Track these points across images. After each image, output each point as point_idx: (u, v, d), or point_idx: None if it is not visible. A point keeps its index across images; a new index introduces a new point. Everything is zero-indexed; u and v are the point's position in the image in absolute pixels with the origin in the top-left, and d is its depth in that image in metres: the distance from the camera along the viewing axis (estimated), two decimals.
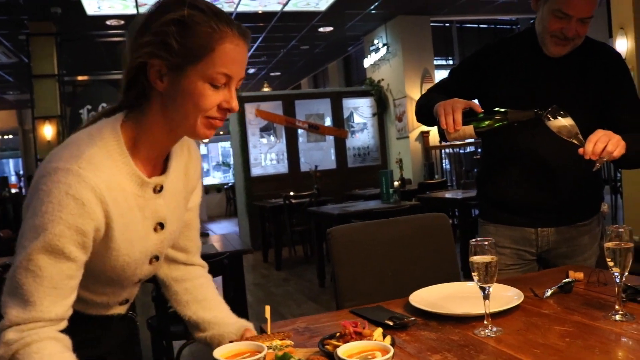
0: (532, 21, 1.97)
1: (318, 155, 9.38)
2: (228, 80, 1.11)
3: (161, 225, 1.23)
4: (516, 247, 1.97)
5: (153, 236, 1.22)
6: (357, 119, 9.78)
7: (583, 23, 1.78)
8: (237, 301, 3.19)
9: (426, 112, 1.88)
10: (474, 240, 1.25)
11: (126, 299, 1.36)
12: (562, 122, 1.60)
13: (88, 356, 1.13)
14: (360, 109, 9.76)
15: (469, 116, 1.69)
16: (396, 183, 6.19)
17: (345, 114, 9.66)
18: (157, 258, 1.28)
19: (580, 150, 1.58)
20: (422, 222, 1.95)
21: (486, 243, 1.23)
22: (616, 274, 1.29)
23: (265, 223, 7.58)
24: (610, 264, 1.29)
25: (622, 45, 5.37)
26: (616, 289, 1.31)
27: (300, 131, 9.33)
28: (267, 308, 1.28)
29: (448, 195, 6.07)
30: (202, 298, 1.41)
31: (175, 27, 1.06)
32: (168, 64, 1.07)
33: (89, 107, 7.75)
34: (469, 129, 1.69)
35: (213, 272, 1.50)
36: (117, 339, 1.38)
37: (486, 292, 1.24)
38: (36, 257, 1.02)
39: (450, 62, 9.99)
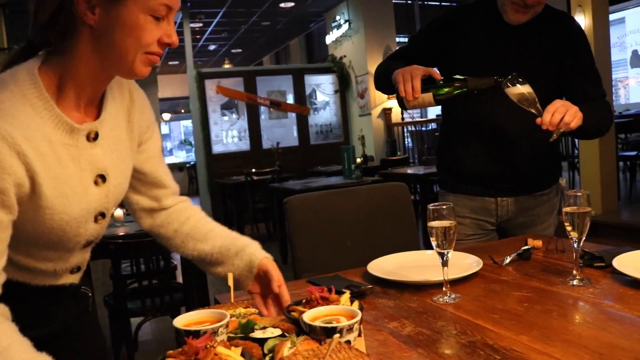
0: None
1: (280, 132, 9.30)
2: (168, 12, 0.99)
3: (102, 178, 1.09)
4: (476, 217, 1.96)
5: (94, 190, 1.08)
6: (319, 96, 9.71)
7: None
8: (197, 281, 3.12)
9: (385, 80, 1.84)
10: (432, 205, 1.22)
11: (77, 266, 1.21)
12: (521, 90, 1.58)
13: (38, 335, 0.97)
14: (323, 86, 9.69)
15: (428, 83, 1.66)
16: (358, 160, 6.18)
17: (307, 91, 9.59)
18: (102, 215, 1.13)
19: (538, 120, 1.57)
20: (381, 191, 1.92)
21: (444, 207, 1.20)
22: (574, 238, 1.28)
23: (227, 200, 7.49)
24: (569, 228, 1.27)
25: (580, 22, 5.42)
26: (574, 254, 1.30)
27: (262, 108, 9.23)
28: (230, 275, 1.22)
29: (410, 171, 6.08)
30: (194, 232, 1.30)
31: None
32: None
33: None
34: (428, 96, 1.65)
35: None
36: (70, 316, 1.24)
37: (445, 258, 1.22)
38: None
39: None
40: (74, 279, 1.23)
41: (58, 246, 1.11)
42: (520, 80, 1.58)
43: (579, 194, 1.26)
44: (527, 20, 1.82)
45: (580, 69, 1.89)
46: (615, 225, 5.10)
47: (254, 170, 7.16)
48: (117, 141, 1.14)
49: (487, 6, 1.90)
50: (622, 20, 11.48)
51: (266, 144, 8.97)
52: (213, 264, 1.28)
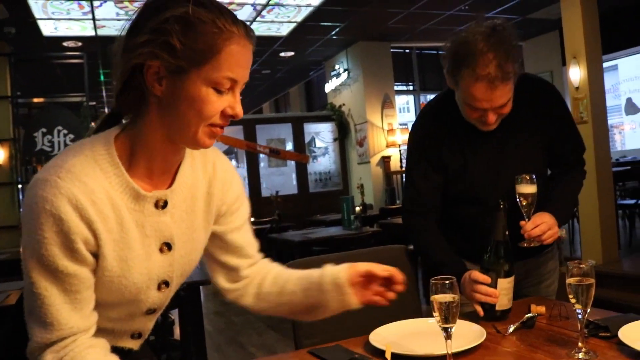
0: None
1: (279, 180, 9.32)
2: (233, 85, 1.02)
3: (168, 246, 1.11)
4: None
5: (158, 257, 1.10)
6: (318, 143, 9.78)
7: (502, 107, 1.66)
8: (194, 334, 3.08)
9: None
10: (434, 278, 1.20)
11: (138, 332, 1.22)
12: (527, 190, 1.65)
13: None
14: (322, 134, 9.76)
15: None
16: (357, 209, 6.16)
17: (307, 139, 9.66)
18: (166, 284, 1.14)
19: (522, 222, 1.64)
20: (380, 254, 1.90)
21: (447, 282, 1.18)
22: (579, 310, 1.26)
23: None
24: (573, 300, 1.26)
25: (575, 73, 5.51)
26: (579, 325, 1.28)
27: (261, 156, 9.26)
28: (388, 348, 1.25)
29: None
30: (273, 286, 1.32)
31: (179, 25, 0.95)
32: (168, 66, 0.97)
33: (44, 130, 7.52)
34: (497, 280, 1.58)
35: (169, 305, 1.38)
36: None
37: (448, 332, 1.20)
38: (37, 279, 0.98)
39: (411, 87, 10.10)
40: (134, 344, 1.24)
41: (120, 308, 1.12)
42: (531, 181, 1.65)
43: (582, 265, 1.25)
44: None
45: (564, 138, 1.88)
46: (616, 276, 5.05)
47: (252, 219, 7.12)
48: (190, 211, 1.15)
49: (458, 109, 1.78)
50: (615, 68, 11.67)
51: (265, 192, 8.97)
52: (303, 308, 1.31)
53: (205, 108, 0.99)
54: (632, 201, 6.19)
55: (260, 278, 1.34)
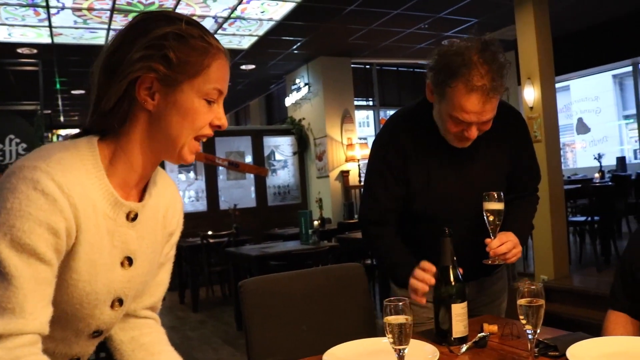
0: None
1: (238, 193, 9.25)
2: (219, 97, 1.08)
3: (129, 261, 1.10)
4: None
5: (119, 271, 1.09)
6: (277, 157, 9.76)
7: (486, 123, 1.67)
8: None
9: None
10: (388, 300, 1.21)
11: (77, 356, 1.17)
12: (494, 207, 1.65)
13: None
14: (281, 147, 9.75)
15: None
16: (316, 223, 6.17)
17: (266, 152, 9.63)
18: (120, 302, 1.12)
19: (488, 240, 1.65)
20: (337, 272, 1.90)
21: (401, 303, 1.19)
22: (529, 331, 1.28)
23: (182, 262, 7.32)
24: (523, 321, 1.28)
25: (530, 93, 5.66)
26: (529, 345, 1.31)
27: (220, 169, 9.19)
28: None
29: None
30: (150, 345, 1.25)
31: (174, 40, 1.02)
32: (162, 80, 1.02)
33: None
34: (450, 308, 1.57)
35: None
36: None
37: (401, 354, 1.20)
38: (6, 256, 0.90)
39: (370, 102, 10.20)
40: None
41: (68, 323, 1.07)
42: (499, 199, 1.65)
43: (533, 286, 1.28)
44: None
45: (526, 167, 1.93)
46: (567, 291, 5.17)
47: (210, 232, 7.05)
48: (152, 231, 1.15)
49: (427, 121, 1.79)
50: (567, 88, 12.06)
51: (223, 205, 8.88)
52: None
53: (198, 118, 1.05)
54: (582, 218, 6.36)
55: (147, 330, 1.28)
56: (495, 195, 1.64)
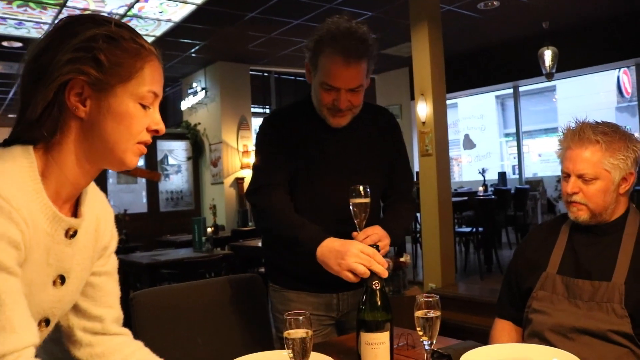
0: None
1: (128, 198, 8.90)
2: (154, 100, 1.03)
3: (62, 279, 1.02)
4: (317, 314, 1.82)
5: (50, 290, 1.01)
6: (171, 161, 9.50)
7: (354, 92, 1.76)
8: None
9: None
10: (288, 313, 1.18)
11: None
12: (360, 201, 1.56)
13: None
14: (175, 152, 9.50)
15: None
16: (209, 229, 6.04)
17: (159, 156, 9.34)
18: (47, 322, 1.04)
19: (354, 233, 1.59)
20: (233, 283, 1.85)
21: (301, 317, 1.16)
22: (426, 342, 1.30)
23: None
24: (420, 332, 1.30)
25: (423, 109, 5.87)
26: (425, 355, 1.33)
27: (109, 171, 8.79)
28: None
29: (261, 243, 6.03)
30: None
31: (105, 42, 0.97)
32: (93, 84, 0.96)
33: None
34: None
35: None
36: None
37: None
38: None
39: (267, 109, 10.19)
40: None
41: None
42: (364, 193, 1.56)
43: (429, 298, 1.30)
44: (348, 122, 1.82)
45: (398, 165, 1.98)
46: (453, 298, 5.40)
47: None
48: (86, 247, 1.07)
49: (310, 110, 1.86)
50: (455, 105, 12.69)
51: (113, 210, 8.48)
52: None
53: (134, 123, 1.00)
54: (468, 229, 6.69)
55: (129, 351, 1.22)
56: (361, 189, 1.55)
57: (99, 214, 1.13)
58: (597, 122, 1.68)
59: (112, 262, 1.22)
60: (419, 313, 1.30)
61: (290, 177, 1.84)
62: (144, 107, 1.01)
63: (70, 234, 1.02)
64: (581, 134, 1.63)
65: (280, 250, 1.86)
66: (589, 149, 1.61)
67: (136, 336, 1.59)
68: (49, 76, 0.94)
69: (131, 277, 5.46)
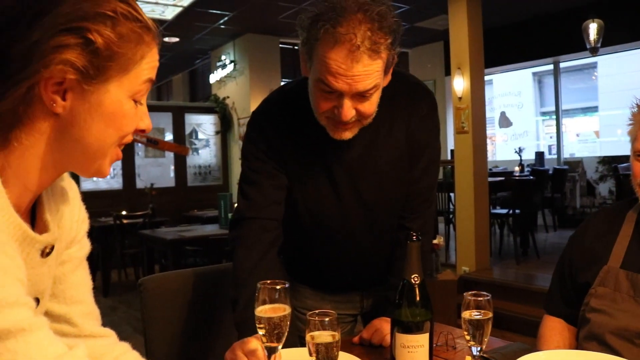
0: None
1: (156, 172, 8.84)
2: (147, 91, 0.84)
3: (37, 302, 0.83)
4: (337, 312, 1.64)
5: None
6: (200, 135, 9.39)
7: (364, 97, 1.26)
8: None
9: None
10: (311, 313, 1.00)
11: None
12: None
13: None
14: (204, 126, 9.38)
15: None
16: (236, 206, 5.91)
17: (188, 130, 9.25)
18: None
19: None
20: None
21: (327, 319, 0.98)
22: (474, 348, 1.11)
23: (94, 244, 6.87)
24: (467, 337, 1.11)
25: (459, 84, 5.62)
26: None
27: (138, 145, 8.73)
28: None
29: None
30: None
31: (102, 23, 0.75)
32: (81, 75, 0.75)
33: None
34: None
35: None
36: None
37: None
38: None
39: None
40: None
41: None
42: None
43: (480, 298, 1.10)
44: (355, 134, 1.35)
45: (421, 172, 1.50)
46: (487, 283, 5.20)
47: (124, 212, 6.64)
48: (58, 255, 0.88)
49: (309, 108, 1.36)
50: (490, 82, 12.31)
51: (140, 183, 8.45)
52: None
53: (126, 124, 0.81)
54: (504, 211, 6.43)
55: (116, 355, 1.03)
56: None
57: (61, 207, 0.92)
58: None
59: (82, 249, 0.99)
60: (466, 314, 1.10)
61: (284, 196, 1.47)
62: (136, 102, 0.83)
63: (47, 252, 0.83)
64: None
65: (299, 260, 1.63)
66: None
67: (144, 322, 1.45)
68: (21, 66, 0.73)
69: (156, 253, 5.38)
